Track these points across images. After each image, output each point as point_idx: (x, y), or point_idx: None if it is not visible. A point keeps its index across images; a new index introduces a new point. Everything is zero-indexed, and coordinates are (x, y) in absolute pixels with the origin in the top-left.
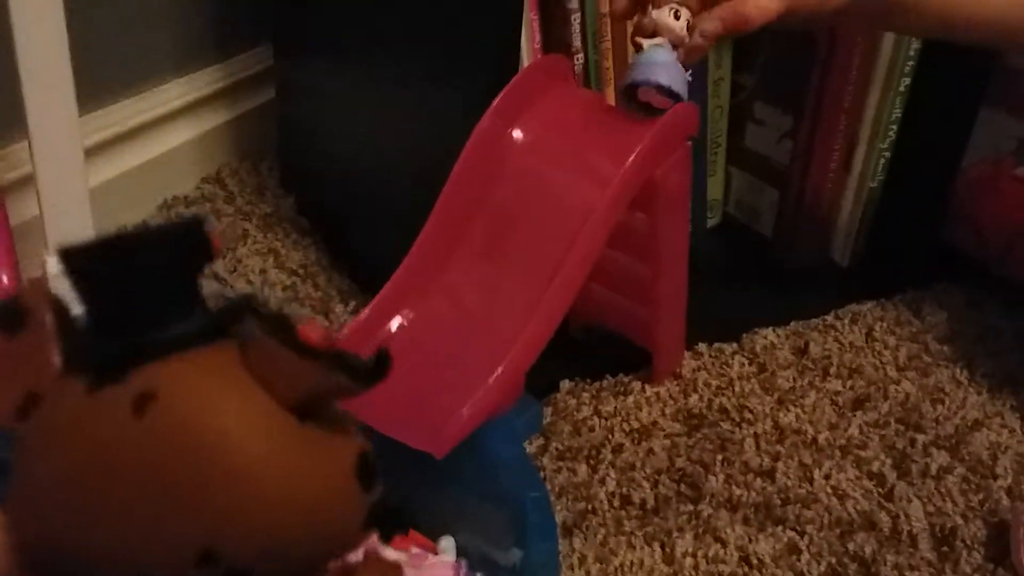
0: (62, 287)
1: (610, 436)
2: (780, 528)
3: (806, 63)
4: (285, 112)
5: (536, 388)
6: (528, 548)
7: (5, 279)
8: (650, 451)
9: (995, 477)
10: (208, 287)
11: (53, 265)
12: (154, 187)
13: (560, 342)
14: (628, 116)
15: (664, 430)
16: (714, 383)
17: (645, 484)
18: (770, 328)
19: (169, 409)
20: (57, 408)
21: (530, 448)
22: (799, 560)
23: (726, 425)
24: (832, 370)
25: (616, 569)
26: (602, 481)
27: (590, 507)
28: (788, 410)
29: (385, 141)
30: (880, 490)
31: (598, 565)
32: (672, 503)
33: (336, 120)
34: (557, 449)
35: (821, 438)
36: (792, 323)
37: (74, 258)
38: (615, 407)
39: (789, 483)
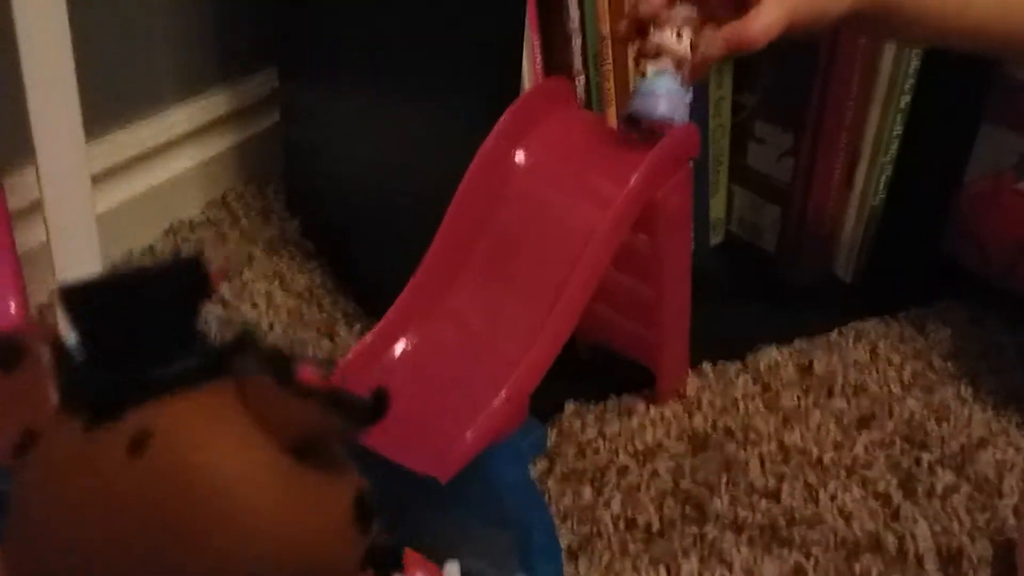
0: (62, 325)
1: (615, 458)
2: (786, 550)
3: (806, 81)
4: (290, 136)
5: (540, 410)
6: (533, 572)
7: (13, 306)
8: (655, 473)
9: (1001, 495)
10: (213, 312)
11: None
12: (160, 212)
13: (564, 363)
14: (630, 139)
15: (668, 451)
16: (718, 403)
17: (650, 506)
18: (774, 346)
19: (166, 448)
20: (54, 446)
21: (534, 470)
22: None
23: (731, 446)
24: (837, 388)
25: None
26: (607, 503)
27: (595, 530)
28: (793, 429)
29: (389, 164)
30: (886, 510)
31: None
32: (677, 525)
33: (341, 143)
34: (562, 471)
35: (826, 458)
36: (796, 341)
37: (73, 296)
38: (619, 428)
39: (794, 504)
